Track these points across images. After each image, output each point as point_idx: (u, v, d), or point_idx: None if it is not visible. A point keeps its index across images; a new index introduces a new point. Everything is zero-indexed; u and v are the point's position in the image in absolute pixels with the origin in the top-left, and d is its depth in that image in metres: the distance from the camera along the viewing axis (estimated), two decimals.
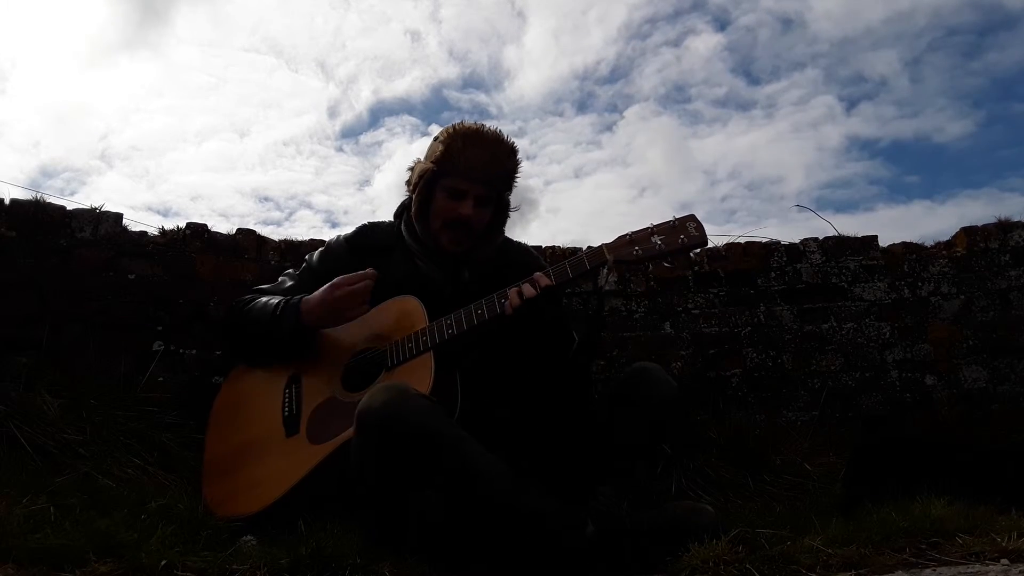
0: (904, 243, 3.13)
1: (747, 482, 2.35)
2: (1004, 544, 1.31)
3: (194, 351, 2.45)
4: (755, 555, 1.33)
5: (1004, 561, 1.26)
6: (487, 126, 1.81)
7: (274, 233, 3.49)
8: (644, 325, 2.91)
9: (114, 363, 2.28)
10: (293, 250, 2.69)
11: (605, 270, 1.64)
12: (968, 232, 3.11)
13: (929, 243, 3.16)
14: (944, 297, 3.01)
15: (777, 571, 1.29)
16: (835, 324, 2.97)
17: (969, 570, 1.23)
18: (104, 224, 2.47)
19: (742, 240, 3.09)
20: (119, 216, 2.52)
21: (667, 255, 1.61)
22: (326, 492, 1.61)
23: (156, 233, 2.57)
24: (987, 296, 2.99)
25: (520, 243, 2.06)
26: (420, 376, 1.63)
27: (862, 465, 2.03)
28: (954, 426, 2.77)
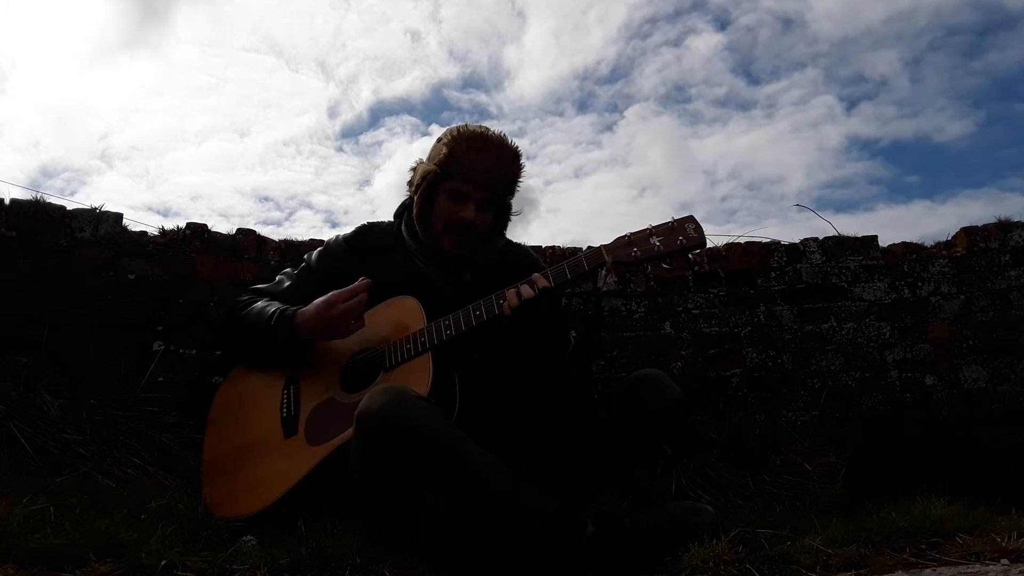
0: (904, 243, 3.13)
1: (747, 482, 2.35)
2: (1004, 544, 1.31)
3: (194, 351, 2.45)
4: (755, 555, 1.33)
5: (1004, 561, 1.26)
6: (492, 130, 1.81)
7: (274, 233, 3.50)
8: (644, 325, 2.91)
9: (114, 363, 2.28)
10: (293, 250, 2.69)
11: (604, 271, 1.63)
12: (968, 232, 3.11)
13: (929, 243, 3.17)
14: (944, 297, 3.00)
15: (777, 571, 1.29)
16: (835, 324, 2.97)
17: (969, 570, 1.23)
18: (104, 224, 2.48)
19: (742, 240, 3.10)
20: (119, 216, 2.52)
21: (666, 256, 1.60)
22: (325, 493, 1.61)
23: (156, 233, 2.57)
24: (987, 296, 2.99)
25: (520, 245, 2.06)
26: (418, 377, 1.63)
27: (862, 465, 2.03)
28: (954, 426, 2.77)
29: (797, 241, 3.08)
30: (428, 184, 1.80)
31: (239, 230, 2.70)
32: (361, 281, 1.73)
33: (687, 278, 2.98)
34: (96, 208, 2.48)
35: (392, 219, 1.98)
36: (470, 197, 1.78)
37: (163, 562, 1.27)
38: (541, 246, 2.91)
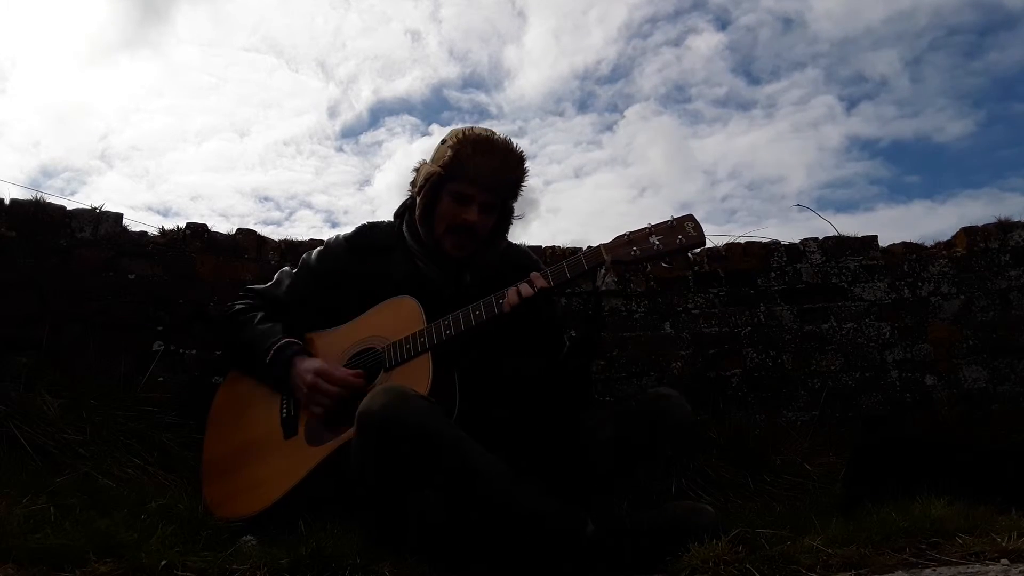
0: (904, 243, 3.14)
1: (747, 482, 2.35)
2: (1004, 544, 1.31)
3: (194, 351, 2.45)
4: (755, 555, 1.33)
5: (1004, 561, 1.26)
6: (497, 133, 1.81)
7: (274, 233, 3.50)
8: (644, 325, 2.91)
9: (114, 363, 2.28)
10: (293, 250, 2.69)
11: (603, 270, 1.63)
12: (968, 232, 3.11)
13: (929, 243, 3.17)
14: (944, 297, 3.00)
15: (777, 571, 1.29)
16: (835, 324, 2.97)
17: (969, 570, 1.23)
18: (104, 224, 2.48)
19: (742, 240, 3.10)
20: (119, 216, 2.52)
21: (665, 255, 1.60)
22: (325, 493, 1.61)
23: (156, 233, 2.57)
24: (987, 296, 2.99)
25: (521, 247, 2.06)
26: (418, 377, 1.63)
27: (862, 465, 2.03)
28: (954, 426, 2.77)
29: (797, 241, 3.08)
30: (432, 186, 1.80)
31: (239, 230, 2.70)
32: (358, 379, 1.70)
33: (687, 278, 2.98)
34: (96, 208, 2.49)
35: (392, 219, 1.98)
36: (474, 199, 1.78)
37: (163, 562, 1.27)
38: (541, 246, 2.91)
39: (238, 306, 1.93)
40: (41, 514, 1.43)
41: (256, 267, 2.62)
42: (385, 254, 1.89)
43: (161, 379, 2.34)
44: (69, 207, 2.47)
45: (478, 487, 1.42)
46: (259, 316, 1.88)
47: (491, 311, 1.64)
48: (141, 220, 4.00)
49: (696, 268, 2.99)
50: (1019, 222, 3.09)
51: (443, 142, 1.84)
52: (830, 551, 1.35)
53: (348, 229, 2.00)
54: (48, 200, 2.44)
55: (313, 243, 2.69)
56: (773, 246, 3.06)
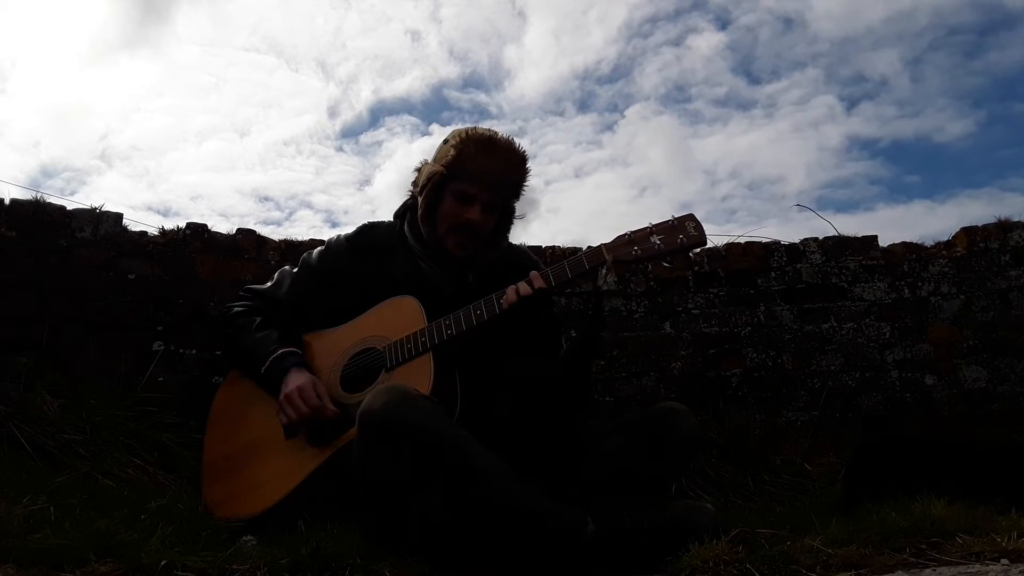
0: (904, 243, 3.14)
1: (747, 482, 2.35)
2: (1004, 544, 1.31)
3: (194, 351, 2.45)
4: (755, 555, 1.33)
5: (1004, 561, 1.26)
6: (499, 133, 1.82)
7: (274, 233, 3.49)
8: (644, 325, 2.91)
9: (114, 363, 2.28)
10: (293, 250, 2.69)
11: (604, 270, 1.64)
12: (968, 232, 3.11)
13: (929, 243, 3.17)
14: (944, 297, 3.01)
15: (777, 571, 1.29)
16: (835, 324, 2.97)
17: (969, 570, 1.23)
18: (104, 224, 2.48)
19: (742, 240, 3.10)
20: (119, 216, 2.52)
21: (666, 255, 1.61)
22: (327, 494, 1.61)
23: (156, 233, 2.57)
24: (987, 296, 2.99)
25: (522, 247, 2.06)
26: (420, 377, 1.63)
27: (862, 465, 2.03)
28: (954, 426, 2.78)
29: (797, 241, 3.08)
30: (434, 185, 1.80)
31: (239, 230, 2.70)
32: (335, 412, 1.68)
33: (687, 278, 2.98)
34: (96, 208, 2.49)
35: (393, 219, 1.98)
36: (476, 199, 1.78)
37: (163, 562, 1.27)
38: (541, 246, 2.91)
39: (236, 308, 1.92)
40: (41, 514, 1.43)
41: (256, 267, 2.62)
42: (386, 254, 1.89)
43: (161, 379, 2.34)
44: (69, 207, 2.47)
45: (479, 487, 1.42)
46: (257, 322, 1.87)
47: (492, 310, 1.64)
48: (141, 220, 4.00)
49: (696, 268, 2.99)
50: (1019, 222, 3.09)
51: (445, 142, 1.84)
52: (830, 551, 1.35)
53: (348, 229, 2.00)
54: (48, 200, 2.45)
55: (313, 243, 2.69)
56: (773, 246, 3.06)
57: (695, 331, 2.93)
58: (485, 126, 1.84)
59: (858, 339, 2.95)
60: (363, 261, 1.89)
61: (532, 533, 1.40)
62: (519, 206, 1.90)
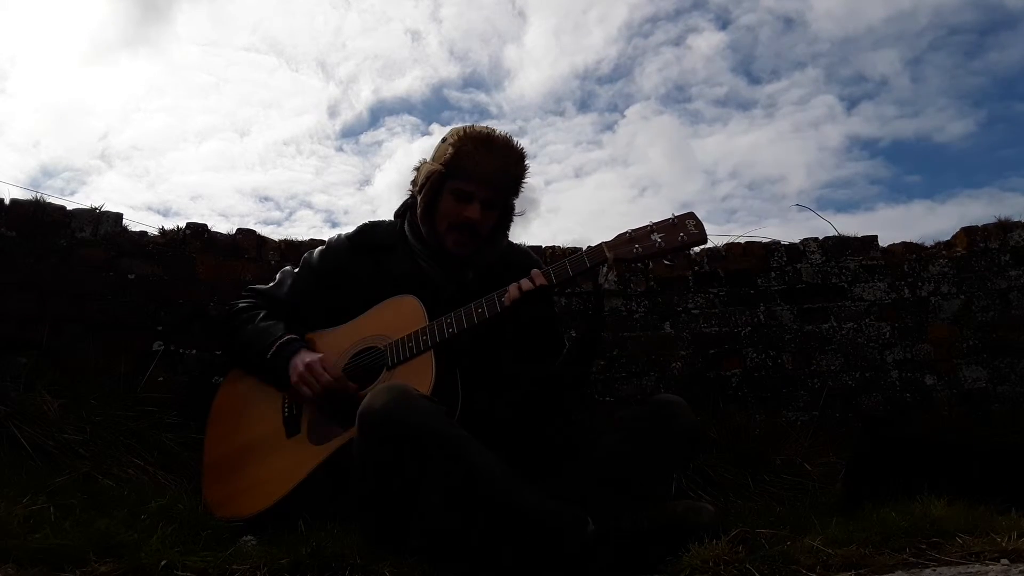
0: (904, 243, 3.14)
1: (747, 482, 2.35)
2: (1004, 544, 1.31)
3: (194, 351, 2.45)
4: (755, 555, 1.33)
5: (1004, 561, 1.26)
6: (497, 131, 1.81)
7: (274, 233, 3.49)
8: (644, 325, 2.91)
9: (114, 363, 2.28)
10: (293, 250, 2.69)
11: (605, 268, 1.64)
12: (968, 232, 3.11)
13: (929, 243, 3.17)
14: (944, 297, 3.01)
15: (777, 571, 1.29)
16: (835, 324, 2.97)
17: (969, 570, 1.23)
18: (104, 224, 2.48)
19: (742, 240, 3.10)
20: (119, 216, 2.52)
21: (667, 252, 1.61)
22: (327, 493, 1.61)
23: (156, 233, 2.57)
24: (987, 296, 2.99)
25: (522, 246, 2.06)
26: (421, 376, 1.63)
27: (862, 465, 2.03)
28: (954, 426, 2.77)
29: (797, 241, 3.08)
30: (433, 184, 1.80)
31: (239, 230, 2.70)
32: (353, 385, 1.71)
33: (687, 278, 2.98)
34: (96, 208, 2.49)
35: (393, 218, 1.98)
36: (475, 197, 1.78)
37: (163, 562, 1.27)
38: (541, 246, 2.91)
39: (241, 304, 1.93)
40: (41, 514, 1.43)
41: (256, 267, 2.62)
42: (387, 253, 1.89)
43: (161, 379, 2.34)
44: (69, 207, 2.47)
45: (479, 487, 1.42)
46: (261, 314, 1.88)
47: (493, 309, 1.64)
48: (141, 220, 4.00)
49: (696, 268, 2.99)
50: (1019, 222, 3.09)
51: (443, 140, 1.84)
52: (830, 551, 1.35)
53: (349, 229, 2.01)
54: (48, 200, 2.44)
55: (313, 243, 2.69)
56: (773, 246, 3.06)
57: (695, 331, 2.93)
58: (490, 126, 1.84)
59: (858, 339, 2.95)
60: (363, 260, 1.89)
61: (532, 533, 1.40)
62: (518, 203, 1.90)
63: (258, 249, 2.68)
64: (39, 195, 2.44)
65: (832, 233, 3.11)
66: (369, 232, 1.96)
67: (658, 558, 1.38)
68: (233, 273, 2.58)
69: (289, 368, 1.75)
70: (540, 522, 1.40)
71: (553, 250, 2.90)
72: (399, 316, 1.76)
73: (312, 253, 1.99)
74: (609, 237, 1.65)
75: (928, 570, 1.26)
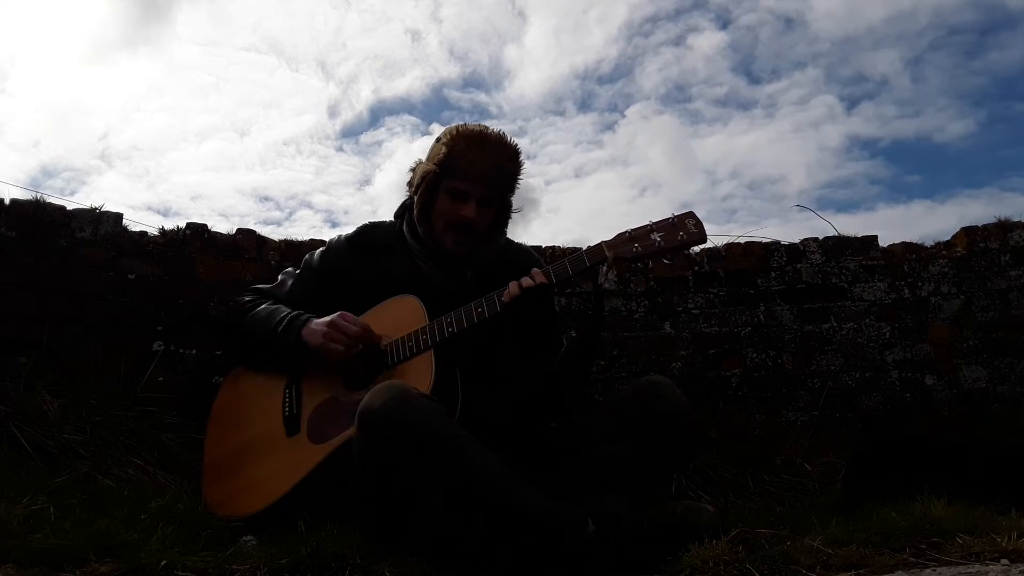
0: (904, 243, 3.14)
1: (747, 482, 2.35)
2: (1004, 544, 1.31)
3: (194, 351, 2.45)
4: (755, 555, 1.33)
5: (1004, 561, 1.26)
6: (490, 128, 1.81)
7: (274, 233, 3.49)
8: (644, 325, 2.91)
9: (114, 363, 2.28)
10: (293, 250, 2.69)
11: (605, 267, 1.64)
12: (968, 232, 3.11)
13: (929, 243, 3.17)
14: (944, 297, 3.01)
15: (777, 571, 1.29)
16: (835, 324, 2.97)
17: (969, 570, 1.23)
18: (104, 224, 2.48)
19: (742, 240, 3.10)
20: (119, 216, 2.52)
21: (667, 252, 1.61)
22: (327, 491, 1.61)
23: (156, 233, 2.57)
24: (987, 296, 2.99)
25: (521, 244, 2.06)
26: (421, 375, 1.63)
27: (862, 465, 2.03)
28: (954, 426, 2.77)
29: (797, 241, 3.08)
30: (428, 184, 1.80)
31: (239, 230, 2.70)
32: (376, 335, 1.73)
33: (687, 278, 2.98)
34: (96, 208, 2.49)
35: (393, 219, 1.98)
36: (470, 195, 1.78)
37: (163, 562, 1.27)
38: (541, 246, 2.91)
39: (244, 299, 1.94)
40: (41, 514, 1.43)
41: (256, 267, 2.62)
42: (386, 253, 1.90)
43: (161, 379, 2.34)
44: (69, 207, 2.47)
45: (479, 487, 1.42)
46: (265, 303, 1.90)
47: (493, 307, 1.64)
48: (141, 220, 4.00)
49: (696, 268, 2.99)
50: (1019, 222, 3.09)
51: (437, 140, 1.84)
52: (830, 551, 1.35)
53: (349, 229, 2.01)
54: (48, 200, 2.45)
55: (313, 243, 2.69)
56: (773, 246, 3.06)
57: (695, 331, 2.93)
58: (483, 124, 1.84)
59: (858, 339, 2.95)
60: (363, 261, 1.89)
61: (532, 533, 1.40)
62: (515, 200, 1.90)
63: (258, 249, 2.68)
64: (39, 195, 2.45)
65: (832, 233, 3.12)
66: (369, 233, 1.97)
67: (658, 558, 1.38)
68: (233, 273, 2.58)
69: (306, 336, 1.74)
70: (540, 522, 1.40)
71: (553, 250, 2.90)
72: (399, 316, 1.76)
73: (312, 254, 1.99)
74: (609, 237, 1.65)
75: (928, 570, 1.26)
